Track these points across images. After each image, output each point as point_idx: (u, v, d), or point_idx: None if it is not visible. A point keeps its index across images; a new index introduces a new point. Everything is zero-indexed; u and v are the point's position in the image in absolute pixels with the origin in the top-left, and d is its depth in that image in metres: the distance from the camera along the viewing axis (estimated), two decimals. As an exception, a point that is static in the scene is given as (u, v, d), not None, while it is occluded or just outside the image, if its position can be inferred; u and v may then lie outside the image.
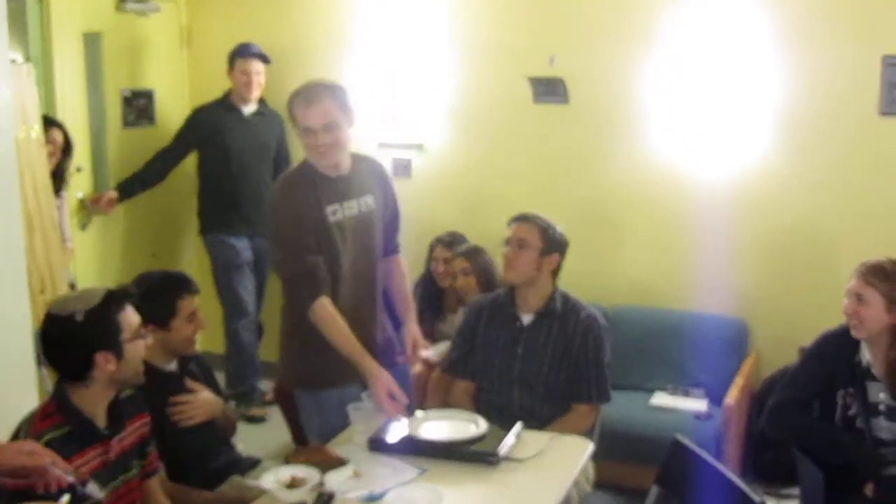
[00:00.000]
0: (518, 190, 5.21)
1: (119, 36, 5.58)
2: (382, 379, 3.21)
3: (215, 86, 5.47)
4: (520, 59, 5.15)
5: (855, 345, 3.36)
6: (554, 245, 3.62)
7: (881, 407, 3.31)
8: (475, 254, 4.68)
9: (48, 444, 2.47)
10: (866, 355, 3.34)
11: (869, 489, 3.23)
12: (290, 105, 3.32)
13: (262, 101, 5.49)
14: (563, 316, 3.62)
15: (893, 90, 4.45)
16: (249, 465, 3.35)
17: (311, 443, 3.37)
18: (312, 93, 3.28)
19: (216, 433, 3.31)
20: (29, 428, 2.54)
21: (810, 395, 3.46)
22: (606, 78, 5.00)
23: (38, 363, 3.98)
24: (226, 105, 5.43)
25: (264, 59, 5.42)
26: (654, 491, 3.08)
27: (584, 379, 3.57)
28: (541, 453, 3.10)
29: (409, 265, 5.23)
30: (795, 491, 3.73)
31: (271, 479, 2.83)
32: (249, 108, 5.43)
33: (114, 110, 5.61)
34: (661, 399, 4.68)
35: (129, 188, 5.49)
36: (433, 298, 4.96)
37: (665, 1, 4.80)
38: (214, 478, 3.18)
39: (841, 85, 4.56)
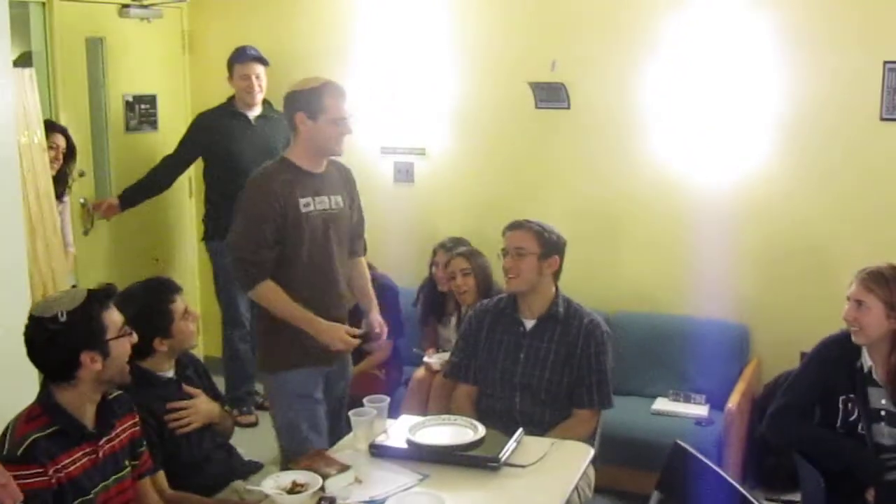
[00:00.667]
0: (519, 195, 5.21)
1: (121, 41, 5.59)
2: (332, 329, 3.55)
3: (217, 91, 5.47)
4: (521, 64, 5.16)
5: (856, 350, 3.36)
6: (552, 247, 3.62)
7: (882, 413, 3.31)
8: (473, 255, 4.70)
9: (34, 444, 2.48)
10: (867, 361, 3.34)
11: (870, 495, 3.23)
12: (322, 92, 3.57)
13: (267, 104, 5.42)
14: (565, 321, 3.63)
15: (895, 96, 4.45)
16: (251, 469, 3.35)
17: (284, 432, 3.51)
18: (342, 88, 3.62)
19: (216, 439, 3.31)
20: (14, 430, 2.54)
21: (811, 400, 3.46)
22: (608, 83, 5.00)
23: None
24: (230, 110, 5.36)
25: (262, 61, 5.36)
26: (655, 496, 3.08)
27: (586, 384, 3.57)
28: (542, 459, 3.11)
29: (411, 270, 5.30)
30: (797, 496, 3.72)
31: (272, 484, 2.83)
32: (254, 113, 5.37)
33: (116, 115, 5.62)
34: (662, 404, 4.67)
35: (133, 197, 5.44)
36: (436, 303, 4.97)
37: (666, 6, 4.80)
38: (215, 483, 3.18)
39: (842, 90, 4.56)
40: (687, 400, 4.68)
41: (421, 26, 5.39)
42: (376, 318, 3.88)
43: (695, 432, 4.37)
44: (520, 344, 3.65)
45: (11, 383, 3.78)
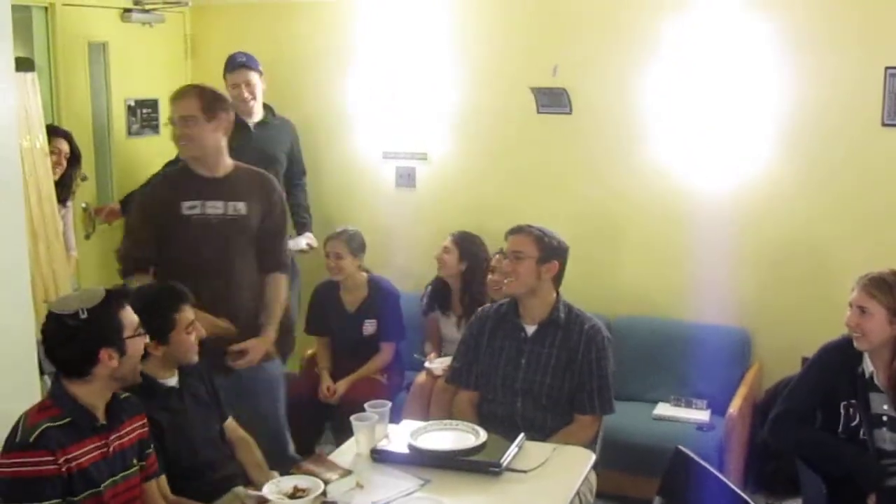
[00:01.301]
0: (521, 200, 5.21)
1: (124, 45, 5.59)
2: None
3: (219, 95, 5.47)
4: (523, 69, 5.16)
5: (857, 356, 3.36)
6: (551, 252, 3.63)
7: (884, 418, 3.31)
8: (464, 238, 4.91)
9: (46, 433, 2.54)
10: (869, 366, 3.34)
11: (872, 500, 3.23)
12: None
13: (268, 110, 5.36)
14: (566, 326, 3.63)
15: (896, 101, 4.46)
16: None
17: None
18: (184, 89, 3.85)
19: (220, 448, 3.30)
20: (26, 419, 2.60)
21: (812, 406, 3.46)
22: (610, 88, 5.00)
23: (42, 372, 3.99)
24: None
25: (252, 67, 5.22)
26: (656, 501, 3.09)
27: (587, 390, 3.58)
28: (543, 464, 3.11)
29: (412, 274, 5.31)
30: (798, 502, 3.72)
31: (273, 489, 2.84)
32: (254, 119, 5.28)
33: (118, 119, 5.61)
34: (663, 409, 4.68)
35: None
36: (442, 297, 5.01)
37: (668, 11, 4.81)
38: (216, 489, 3.18)
39: (844, 96, 4.56)
40: (688, 405, 4.68)
41: (422, 31, 5.39)
42: (253, 342, 3.81)
43: (696, 437, 4.37)
44: (521, 349, 3.65)
45: (13, 383, 3.80)
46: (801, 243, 4.75)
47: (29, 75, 4.53)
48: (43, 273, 4.50)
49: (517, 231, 3.69)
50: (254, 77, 5.22)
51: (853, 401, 3.35)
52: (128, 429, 2.80)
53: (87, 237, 5.43)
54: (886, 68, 4.44)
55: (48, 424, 2.56)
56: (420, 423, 3.40)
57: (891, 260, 3.54)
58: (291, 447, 4.21)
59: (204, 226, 3.75)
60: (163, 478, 2.99)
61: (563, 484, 3.04)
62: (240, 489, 3.19)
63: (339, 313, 4.98)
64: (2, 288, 3.84)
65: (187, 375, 3.27)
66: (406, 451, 3.17)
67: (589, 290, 4.56)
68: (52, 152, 4.71)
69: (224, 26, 5.92)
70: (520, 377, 3.62)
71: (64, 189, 4.79)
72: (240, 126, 5.22)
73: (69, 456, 2.57)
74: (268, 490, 2.84)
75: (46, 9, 5.14)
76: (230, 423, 3.42)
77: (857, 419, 3.34)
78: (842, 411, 3.38)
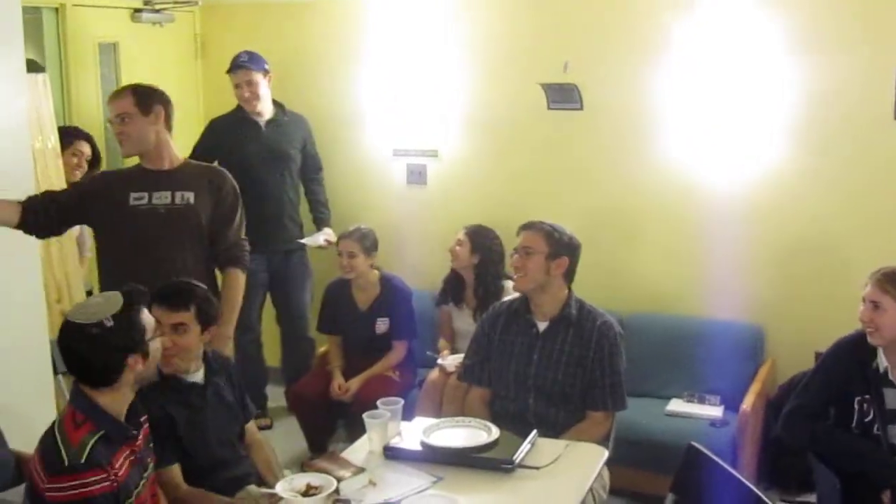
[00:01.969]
0: (532, 196, 5.20)
1: (134, 46, 5.61)
2: None
3: (230, 96, 5.45)
4: (534, 65, 5.15)
5: (871, 351, 3.34)
6: (561, 248, 3.62)
7: (898, 413, 3.30)
8: (477, 231, 4.89)
9: (92, 450, 2.47)
10: (883, 361, 3.32)
11: (886, 497, 3.22)
12: None
13: (278, 108, 5.36)
14: (578, 323, 3.63)
15: (908, 96, 4.44)
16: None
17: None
18: (118, 89, 3.99)
19: (236, 448, 3.29)
20: (66, 439, 2.50)
21: (825, 401, 3.45)
22: (621, 84, 4.99)
23: (55, 372, 4.01)
24: (240, 116, 5.28)
25: (254, 66, 5.21)
26: (669, 498, 3.08)
27: (600, 386, 3.57)
28: (556, 460, 3.11)
29: (424, 272, 5.31)
30: (812, 498, 3.72)
31: (286, 486, 2.84)
32: (264, 118, 5.28)
33: (129, 120, 5.62)
34: (676, 406, 4.66)
35: None
36: (456, 290, 4.99)
37: (678, 8, 4.79)
38: (227, 487, 3.18)
39: (854, 92, 4.54)
40: (701, 401, 4.66)
41: (432, 28, 5.38)
42: (224, 332, 3.81)
43: (709, 433, 4.36)
44: (533, 345, 3.65)
45: (27, 382, 3.82)
46: (814, 239, 4.73)
47: (40, 76, 4.55)
48: (55, 274, 4.52)
49: (528, 227, 3.69)
50: (256, 76, 5.21)
51: (867, 396, 3.33)
52: (143, 429, 2.78)
53: (99, 237, 5.45)
54: (897, 64, 4.43)
55: (92, 442, 2.49)
56: (432, 421, 3.40)
57: (904, 254, 3.53)
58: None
59: (152, 216, 3.79)
60: (176, 466, 3.00)
61: (575, 480, 3.03)
62: (253, 487, 3.19)
63: (352, 312, 4.99)
64: (15, 289, 3.87)
65: (214, 374, 3.25)
66: (419, 448, 3.17)
67: (601, 287, 4.55)
68: (73, 154, 4.76)
69: (234, 25, 5.93)
70: (532, 373, 3.62)
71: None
72: (250, 124, 5.27)
73: (115, 469, 2.51)
74: (281, 488, 2.84)
75: (57, 9, 5.16)
76: (251, 425, 3.41)
77: (871, 415, 3.33)
78: (855, 407, 3.36)
